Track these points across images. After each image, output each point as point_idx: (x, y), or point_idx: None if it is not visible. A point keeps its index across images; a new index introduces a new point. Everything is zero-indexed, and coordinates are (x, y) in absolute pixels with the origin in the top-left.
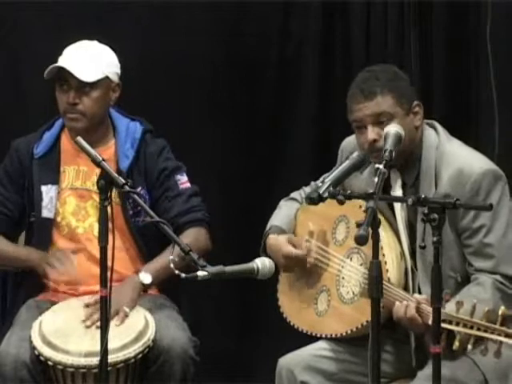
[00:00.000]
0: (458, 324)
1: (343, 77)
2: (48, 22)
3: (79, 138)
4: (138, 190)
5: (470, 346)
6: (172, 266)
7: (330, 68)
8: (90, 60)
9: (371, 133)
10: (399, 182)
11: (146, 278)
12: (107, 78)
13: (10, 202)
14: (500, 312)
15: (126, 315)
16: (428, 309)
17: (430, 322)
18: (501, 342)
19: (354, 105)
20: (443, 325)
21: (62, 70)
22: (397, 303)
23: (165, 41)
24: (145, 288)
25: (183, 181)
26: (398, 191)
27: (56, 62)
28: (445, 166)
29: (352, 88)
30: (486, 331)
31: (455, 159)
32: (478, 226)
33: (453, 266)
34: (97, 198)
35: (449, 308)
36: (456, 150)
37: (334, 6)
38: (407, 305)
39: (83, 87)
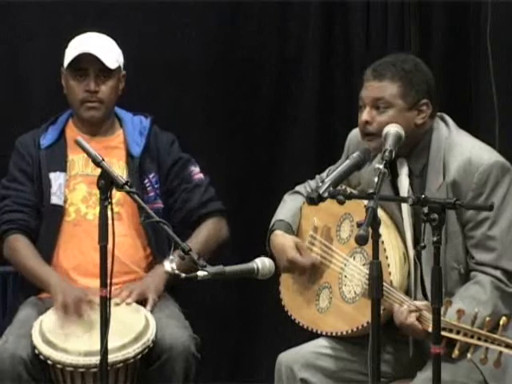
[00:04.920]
0: (458, 333)
1: (343, 77)
2: (48, 22)
3: (79, 139)
4: (151, 176)
5: (469, 355)
6: (172, 265)
7: (330, 68)
8: (108, 47)
9: (366, 114)
10: (406, 171)
11: (170, 266)
12: (120, 67)
13: (30, 194)
14: (501, 322)
15: (155, 301)
16: (428, 316)
17: (430, 330)
18: (500, 352)
19: (364, 82)
20: (443, 333)
21: (80, 57)
22: (396, 307)
23: (163, 41)
24: (171, 278)
25: (197, 171)
26: (404, 180)
27: (56, 61)
28: (453, 156)
29: (370, 66)
30: (486, 341)
31: (464, 150)
32: (483, 217)
33: (457, 257)
34: None
35: (450, 316)
36: (465, 141)
37: (333, 6)
38: (408, 311)
39: (101, 75)
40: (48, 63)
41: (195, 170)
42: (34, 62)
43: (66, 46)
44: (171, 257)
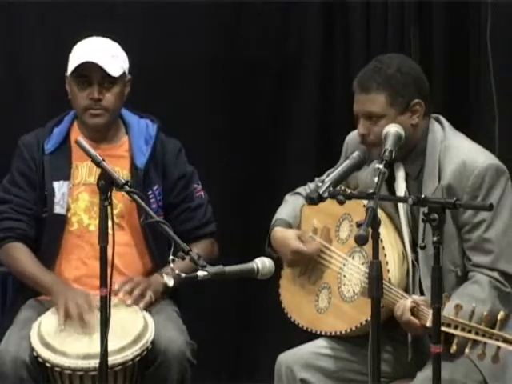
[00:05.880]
0: (456, 327)
1: (343, 77)
2: (48, 22)
3: (80, 139)
4: (155, 188)
5: (467, 350)
6: (172, 265)
7: (330, 68)
8: (111, 55)
9: (361, 127)
10: (402, 174)
11: (169, 280)
12: (124, 73)
13: (30, 201)
14: (499, 317)
15: (151, 300)
16: (426, 310)
17: (427, 324)
18: (498, 347)
19: (355, 95)
20: (441, 328)
21: (83, 65)
22: (397, 304)
23: (164, 41)
24: (167, 289)
25: (199, 189)
26: (401, 183)
27: (56, 61)
28: (449, 160)
29: (357, 76)
30: (484, 336)
31: (459, 152)
32: (479, 220)
33: (453, 259)
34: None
35: (447, 311)
36: (460, 143)
37: (333, 6)
38: (403, 307)
39: (105, 83)
40: (48, 63)
41: (198, 187)
42: (34, 62)
43: (66, 46)
44: (171, 265)
